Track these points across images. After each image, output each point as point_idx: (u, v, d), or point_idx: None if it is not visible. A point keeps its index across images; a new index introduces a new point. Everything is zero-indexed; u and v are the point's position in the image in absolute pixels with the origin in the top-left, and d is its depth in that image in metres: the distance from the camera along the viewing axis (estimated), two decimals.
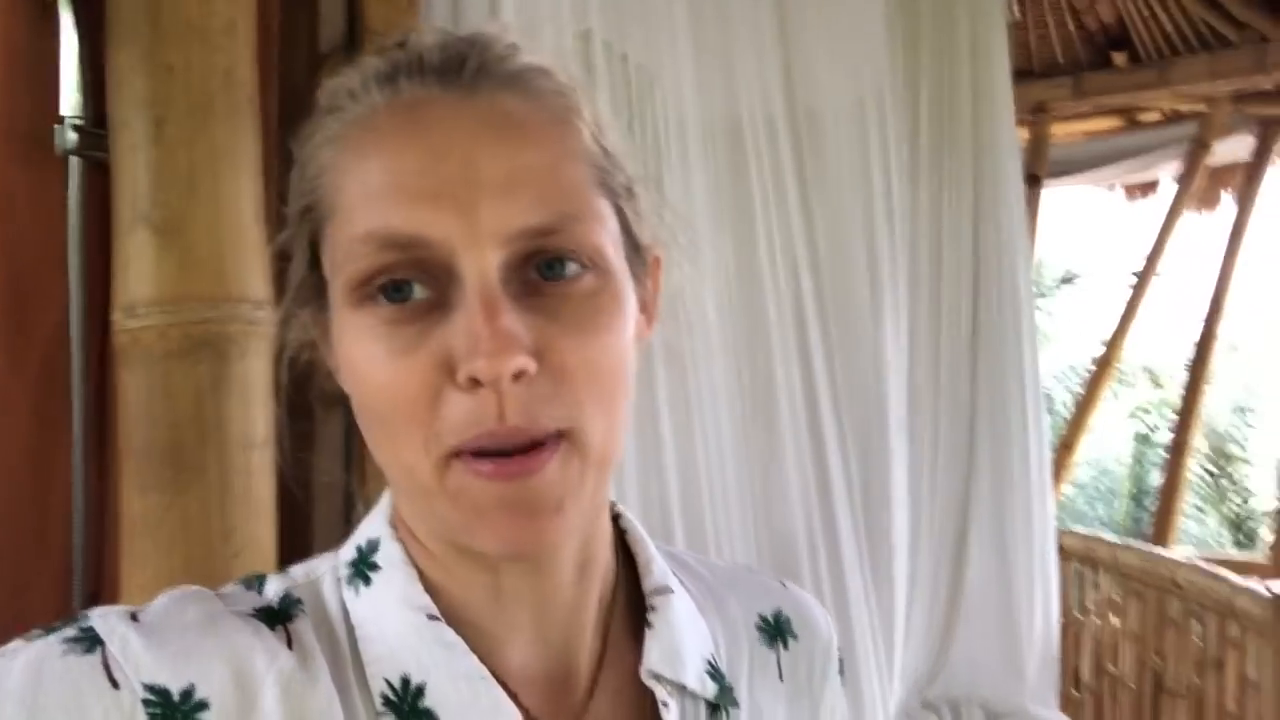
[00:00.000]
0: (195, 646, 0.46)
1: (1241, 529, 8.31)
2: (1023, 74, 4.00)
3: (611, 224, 0.50)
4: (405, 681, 0.48)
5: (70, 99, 1.02)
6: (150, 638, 0.45)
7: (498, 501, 0.45)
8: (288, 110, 1.13)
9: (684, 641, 0.55)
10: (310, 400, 1.13)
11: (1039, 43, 4.58)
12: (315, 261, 0.52)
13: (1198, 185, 4.50)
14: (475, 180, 0.45)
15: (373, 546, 0.53)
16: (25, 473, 1.02)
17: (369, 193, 0.46)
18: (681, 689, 0.53)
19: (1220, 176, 4.75)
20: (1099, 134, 5.07)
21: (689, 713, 0.54)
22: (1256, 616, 2.28)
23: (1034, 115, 4.52)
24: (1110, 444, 9.49)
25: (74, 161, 1.03)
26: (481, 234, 0.44)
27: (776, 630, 0.61)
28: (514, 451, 0.45)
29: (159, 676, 0.44)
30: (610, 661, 0.54)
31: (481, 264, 0.44)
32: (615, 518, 0.59)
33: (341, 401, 1.08)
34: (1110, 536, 3.39)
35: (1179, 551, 3.84)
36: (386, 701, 0.48)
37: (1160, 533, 4.06)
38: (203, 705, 0.44)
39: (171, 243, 0.94)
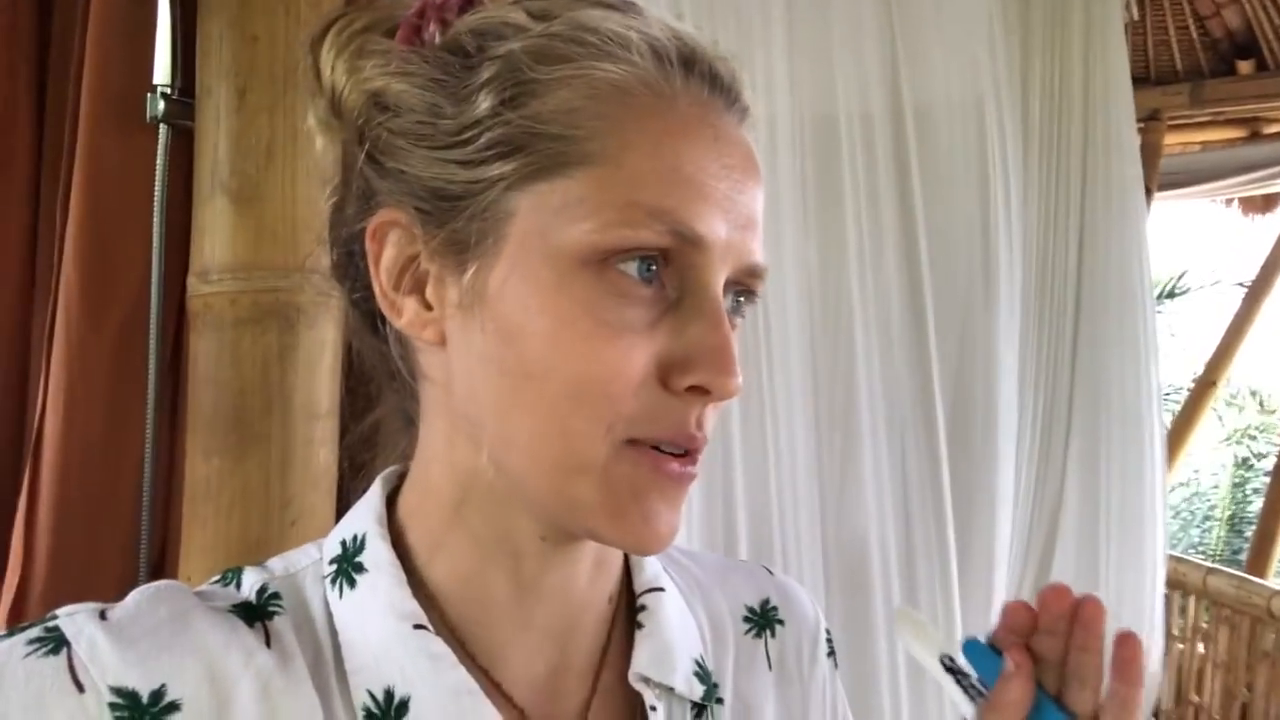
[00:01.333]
0: (167, 645, 0.44)
1: None
2: (1138, 80, 3.82)
3: None
4: (389, 694, 0.47)
5: (162, 68, 1.05)
6: (119, 637, 0.43)
7: (660, 493, 0.46)
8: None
9: (674, 642, 0.54)
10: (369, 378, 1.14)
11: (1157, 48, 4.37)
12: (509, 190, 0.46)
13: None
14: (740, 206, 0.47)
15: (359, 545, 0.51)
16: (100, 429, 1.04)
17: (663, 172, 0.44)
18: (670, 691, 0.53)
19: None
20: (1216, 144, 4.83)
21: (675, 714, 0.53)
22: None
23: (1146, 123, 4.31)
24: (1210, 468, 9.07)
25: (163, 129, 1.05)
26: (730, 255, 0.46)
27: (763, 619, 0.61)
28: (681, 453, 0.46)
29: (127, 678, 0.42)
30: (610, 661, 0.53)
31: (718, 282, 0.46)
32: None
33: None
34: (1201, 561, 3.23)
35: (1277, 582, 3.64)
36: (369, 715, 0.46)
37: (1258, 561, 3.84)
38: (174, 707, 0.43)
39: (247, 210, 0.96)
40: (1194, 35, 4.37)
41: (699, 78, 0.47)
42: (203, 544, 0.96)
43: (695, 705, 0.54)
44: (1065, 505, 2.41)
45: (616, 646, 0.54)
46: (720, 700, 0.55)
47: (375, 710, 0.46)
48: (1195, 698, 2.88)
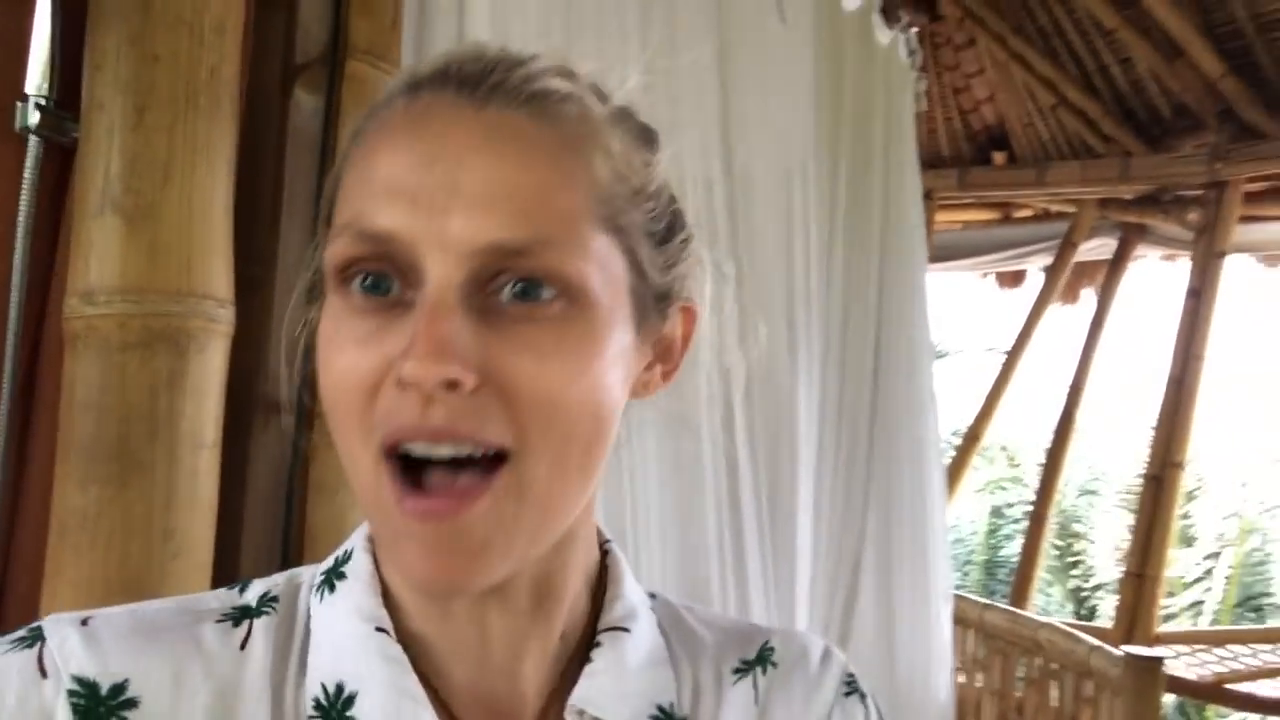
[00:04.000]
0: (136, 648, 0.47)
1: (1083, 602, 8.86)
2: None
3: (611, 260, 0.48)
4: (339, 689, 0.49)
5: (35, 76, 1.00)
6: (91, 637, 0.47)
7: (412, 537, 0.45)
8: (254, 114, 1.13)
9: (629, 682, 0.53)
10: (254, 404, 1.11)
11: (928, 137, 4.91)
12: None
13: (1064, 280, 4.88)
14: (456, 188, 0.44)
15: (347, 557, 0.54)
16: None
17: (361, 186, 0.47)
18: None
19: (1083, 273, 5.17)
20: (976, 224, 5.46)
21: None
22: (1111, 675, 2.46)
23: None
24: (965, 515, 9.97)
25: (33, 140, 1.00)
26: (449, 241, 0.44)
27: (757, 661, 0.59)
28: (442, 489, 0.44)
29: (89, 671, 0.46)
30: (559, 694, 0.52)
31: (443, 271, 0.44)
32: (605, 553, 0.58)
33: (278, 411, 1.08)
34: (976, 598, 3.58)
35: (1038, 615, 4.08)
36: (317, 706, 0.49)
37: (1018, 598, 4.30)
38: (131, 703, 0.46)
39: (140, 230, 0.93)
40: (958, 126, 4.95)
41: (430, 87, 0.48)
42: (74, 577, 0.90)
43: None
44: (866, 545, 2.62)
45: (571, 682, 0.52)
46: None
47: (324, 701, 0.49)
48: None
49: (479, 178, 0.44)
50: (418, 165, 0.45)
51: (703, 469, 1.82)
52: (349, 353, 0.45)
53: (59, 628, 0.47)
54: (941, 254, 5.37)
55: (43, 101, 1.00)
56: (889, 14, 2.62)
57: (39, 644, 0.46)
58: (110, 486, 0.91)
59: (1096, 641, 2.63)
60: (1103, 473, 9.75)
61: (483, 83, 0.47)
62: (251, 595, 0.53)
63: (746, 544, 1.92)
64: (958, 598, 3.46)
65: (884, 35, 2.58)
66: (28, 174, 0.99)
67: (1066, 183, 4.48)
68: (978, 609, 3.23)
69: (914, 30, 2.73)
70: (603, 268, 0.47)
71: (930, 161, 4.89)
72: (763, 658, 0.59)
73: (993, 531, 9.64)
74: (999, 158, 4.91)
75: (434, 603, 0.51)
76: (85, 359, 0.93)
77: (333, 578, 0.53)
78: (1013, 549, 8.54)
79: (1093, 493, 9.62)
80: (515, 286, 0.45)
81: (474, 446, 0.44)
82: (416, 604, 0.51)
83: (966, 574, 9.42)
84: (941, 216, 5.16)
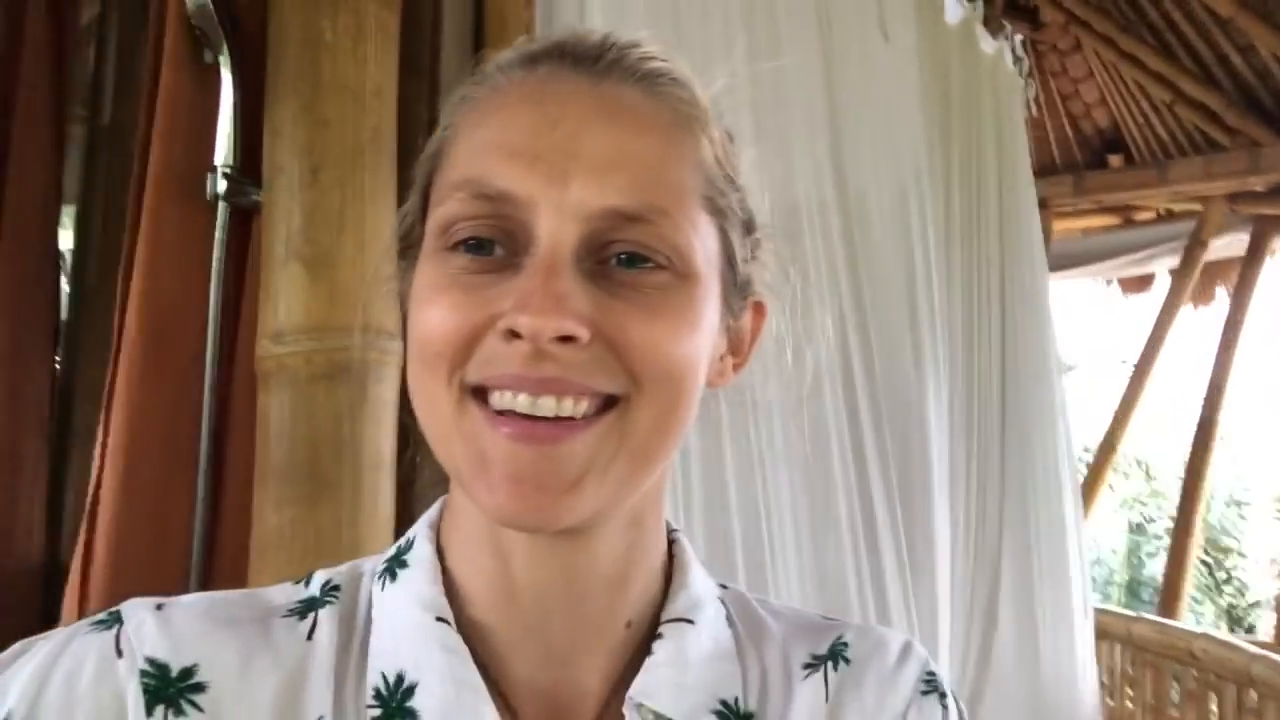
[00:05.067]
0: (208, 634, 0.48)
1: (1238, 621, 8.31)
2: None
3: (709, 239, 0.49)
4: (399, 679, 0.49)
5: (223, 149, 1.13)
6: (167, 620, 0.48)
7: (506, 461, 0.44)
8: (406, 167, 1.24)
9: (692, 675, 0.51)
10: (417, 433, 1.21)
11: (1038, 144, 4.81)
12: (422, 213, 0.52)
13: (1194, 281, 4.67)
14: (575, 153, 0.45)
15: (409, 545, 0.54)
16: (155, 485, 1.08)
17: (477, 147, 0.48)
18: None
19: (1215, 272, 4.94)
20: (1096, 230, 5.29)
21: None
22: (1276, 683, 2.33)
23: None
24: (1104, 534, 9.52)
25: (221, 206, 1.13)
26: (566, 204, 0.45)
27: (829, 656, 0.56)
28: (543, 418, 0.44)
29: (161, 653, 0.47)
30: (622, 686, 0.51)
31: (558, 232, 0.45)
32: (671, 542, 0.57)
33: None
34: (1122, 610, 3.43)
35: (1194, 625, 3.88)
36: (377, 695, 0.48)
37: (1168, 609, 4.10)
38: (199, 687, 0.47)
39: (321, 276, 1.03)
40: (1069, 132, 4.84)
41: (547, 61, 0.49)
42: None
43: None
44: (1004, 562, 2.56)
45: (633, 674, 0.51)
46: None
47: (384, 691, 0.48)
48: None
49: (598, 145, 0.46)
50: (538, 130, 0.46)
51: (835, 493, 1.84)
52: (451, 302, 0.46)
53: (136, 611, 0.49)
54: (1062, 262, 5.23)
55: (229, 170, 1.13)
56: (991, 24, 2.61)
57: (117, 626, 0.48)
58: (303, 507, 1.01)
59: (1258, 649, 2.49)
60: (1251, 482, 9.17)
61: (600, 58, 0.49)
62: (315, 586, 0.54)
63: (885, 565, 1.92)
64: (1101, 611, 3.34)
65: (988, 45, 2.58)
66: (219, 235, 1.12)
67: (1190, 179, 4.31)
68: (1124, 622, 3.10)
69: (1018, 37, 2.71)
70: (704, 245, 0.48)
71: (1043, 169, 4.79)
72: (835, 653, 0.56)
73: (1134, 550, 9.18)
74: (1115, 160, 4.77)
75: (502, 580, 0.50)
76: (277, 393, 1.04)
77: (395, 566, 0.53)
78: (1156, 568, 8.12)
79: (1242, 504, 9.05)
80: (625, 253, 0.46)
81: (577, 402, 0.44)
82: (481, 591, 0.51)
83: (1108, 595, 8.98)
84: (1059, 224, 5.03)
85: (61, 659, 0.46)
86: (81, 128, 1.59)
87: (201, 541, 1.11)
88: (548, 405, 0.44)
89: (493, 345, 0.44)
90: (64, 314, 1.53)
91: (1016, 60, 2.74)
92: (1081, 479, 4.88)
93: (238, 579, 1.08)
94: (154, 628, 0.47)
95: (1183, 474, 4.51)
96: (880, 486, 1.94)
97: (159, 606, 0.49)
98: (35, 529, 1.42)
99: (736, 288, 0.53)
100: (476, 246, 0.46)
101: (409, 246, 0.53)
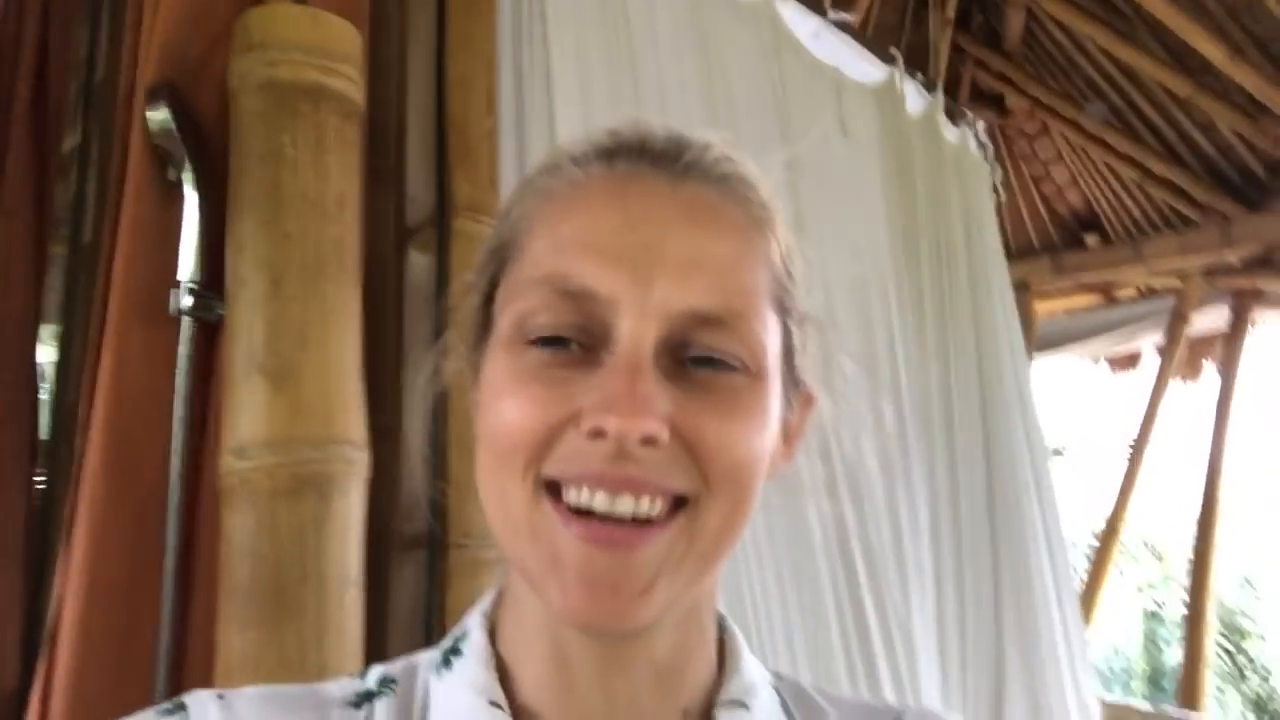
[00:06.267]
0: (269, 718, 0.51)
1: (1266, 709, 8.01)
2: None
3: (775, 337, 0.51)
4: None
5: (187, 264, 1.12)
6: (228, 708, 0.51)
7: (581, 564, 0.45)
8: (373, 276, 1.24)
9: None
10: (390, 541, 1.17)
11: (1015, 228, 4.90)
12: (488, 301, 0.54)
13: (1180, 356, 4.69)
14: (659, 254, 0.46)
15: (464, 634, 0.55)
16: (118, 610, 1.04)
17: (559, 243, 0.48)
18: None
19: (1201, 346, 4.96)
20: (1079, 310, 5.33)
21: None
22: None
23: (1016, 292, 4.76)
24: (1118, 623, 9.29)
25: (185, 321, 1.12)
26: (649, 304, 0.46)
27: None
28: (617, 519, 0.45)
29: None
30: None
31: (640, 331, 0.46)
32: (721, 630, 0.58)
33: (418, 545, 1.12)
34: (1143, 705, 3.30)
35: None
36: None
37: (1189, 702, 3.95)
38: None
39: (283, 388, 1.02)
40: (1044, 214, 4.93)
41: (626, 158, 0.50)
42: None
43: None
44: (1007, 651, 2.47)
45: None
46: None
47: None
48: None
49: (680, 246, 0.47)
50: (621, 229, 0.47)
51: (820, 581, 1.80)
52: (531, 396, 0.46)
53: (199, 699, 0.52)
54: (1048, 343, 5.27)
55: (194, 286, 1.12)
56: (953, 113, 2.67)
57: (181, 713, 0.51)
58: (265, 629, 0.97)
59: None
60: (1263, 557, 9.00)
61: (679, 159, 0.50)
62: (371, 679, 0.55)
63: (875, 650, 1.86)
64: (1118, 707, 3.21)
65: (951, 133, 2.64)
66: (182, 350, 1.11)
67: (1165, 255, 4.36)
68: (1142, 719, 2.97)
69: (980, 124, 2.77)
70: (772, 343, 0.50)
71: (1021, 252, 4.86)
72: None
73: (1150, 638, 8.93)
74: (1091, 240, 4.84)
75: (558, 672, 0.51)
76: (241, 510, 1.00)
77: (450, 656, 0.54)
78: (1175, 656, 7.89)
79: (1257, 583, 8.85)
80: (703, 355, 0.47)
81: (653, 501, 0.45)
82: (538, 675, 0.52)
83: (1128, 687, 8.70)
84: (1042, 305, 5.07)
85: None
86: (63, 247, 1.61)
87: (166, 666, 1.06)
88: (626, 504, 0.45)
89: (573, 442, 0.45)
90: (44, 433, 1.52)
91: (981, 145, 2.79)
92: (1086, 566, 4.78)
93: None
94: (217, 712, 0.50)
95: (1190, 556, 4.42)
96: (866, 581, 1.89)
97: (220, 695, 0.52)
98: (9, 657, 1.37)
99: (793, 381, 0.54)
100: (554, 341, 0.47)
101: (469, 329, 0.54)
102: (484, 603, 0.57)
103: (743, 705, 0.53)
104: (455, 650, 0.54)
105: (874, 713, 0.59)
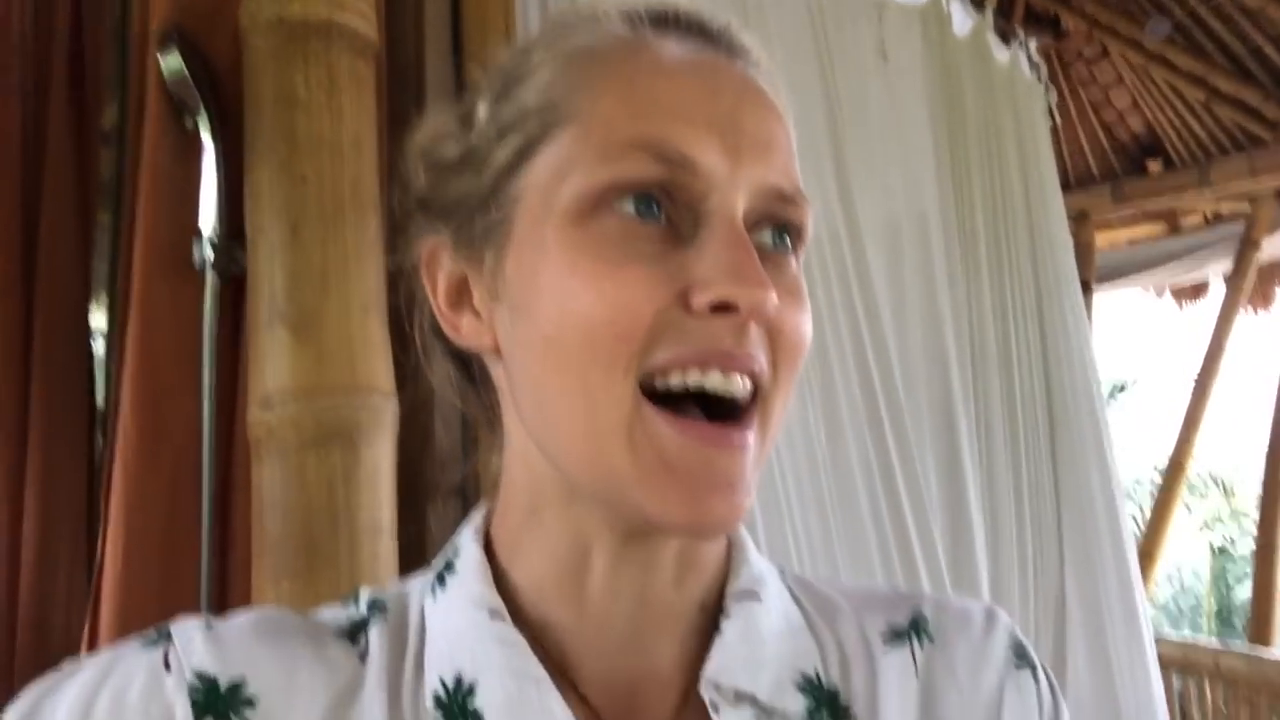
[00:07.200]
0: (256, 650, 0.47)
1: None
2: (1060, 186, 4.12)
3: None
4: (458, 680, 0.47)
5: (209, 215, 1.10)
6: (215, 637, 0.48)
7: (695, 468, 0.42)
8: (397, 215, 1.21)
9: (764, 649, 0.50)
10: (423, 489, 1.16)
11: (1074, 156, 4.70)
12: (507, 174, 0.48)
13: (1249, 284, 4.49)
14: (742, 128, 0.45)
15: (455, 553, 0.53)
16: (156, 565, 1.04)
17: (640, 107, 0.44)
18: (752, 700, 0.48)
19: (1272, 273, 4.75)
20: (1142, 240, 5.13)
21: None
22: None
23: (1076, 223, 4.58)
24: (1186, 559, 9.10)
25: (210, 273, 1.10)
26: (740, 177, 0.44)
27: (911, 630, 0.54)
28: (721, 418, 0.43)
29: (209, 667, 0.46)
30: (698, 669, 0.49)
31: (734, 204, 0.44)
32: None
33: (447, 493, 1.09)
34: (1209, 641, 3.23)
35: None
36: (437, 701, 0.47)
37: (1260, 638, 3.85)
38: (249, 702, 0.46)
39: (306, 338, 1.00)
40: (1104, 141, 4.72)
41: (678, 29, 0.48)
42: None
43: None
44: (1068, 600, 2.41)
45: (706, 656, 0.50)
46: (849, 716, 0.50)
47: (443, 697, 0.47)
48: None
49: (755, 123, 0.46)
50: (707, 99, 0.45)
51: (867, 540, 1.76)
52: (627, 271, 0.42)
53: (185, 628, 0.48)
54: (1109, 274, 5.08)
55: (215, 238, 1.10)
56: (1004, 32, 2.54)
57: (166, 642, 0.47)
58: (300, 581, 0.96)
59: None
60: None
61: (723, 37, 0.49)
62: (363, 604, 0.52)
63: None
64: (1187, 646, 3.14)
65: (1001, 54, 2.51)
66: (208, 303, 1.10)
67: (1233, 178, 4.15)
68: (1211, 655, 2.91)
69: (1033, 42, 2.63)
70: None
71: (1080, 181, 4.67)
72: (917, 627, 0.54)
73: (1219, 576, 8.73)
74: (1154, 165, 4.63)
75: (576, 575, 0.48)
76: (269, 462, 0.99)
77: (443, 574, 0.52)
78: (1245, 592, 7.71)
79: None
80: (772, 232, 0.47)
81: (744, 383, 0.43)
82: (548, 585, 0.49)
83: (1196, 625, 8.54)
84: (1103, 236, 4.89)
85: (109, 676, 0.46)
86: (109, 216, 1.61)
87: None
88: (737, 384, 0.43)
89: (679, 321, 0.42)
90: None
91: (1033, 66, 2.65)
92: (1152, 502, 4.66)
93: None
94: (202, 643, 0.47)
95: (1260, 491, 4.27)
96: (914, 527, 1.84)
97: (209, 625, 0.49)
98: (77, 619, 1.39)
99: None
100: (646, 208, 0.43)
101: (469, 225, 0.49)
102: (475, 519, 0.54)
103: (754, 596, 0.52)
104: (449, 568, 0.52)
105: (888, 601, 0.56)
